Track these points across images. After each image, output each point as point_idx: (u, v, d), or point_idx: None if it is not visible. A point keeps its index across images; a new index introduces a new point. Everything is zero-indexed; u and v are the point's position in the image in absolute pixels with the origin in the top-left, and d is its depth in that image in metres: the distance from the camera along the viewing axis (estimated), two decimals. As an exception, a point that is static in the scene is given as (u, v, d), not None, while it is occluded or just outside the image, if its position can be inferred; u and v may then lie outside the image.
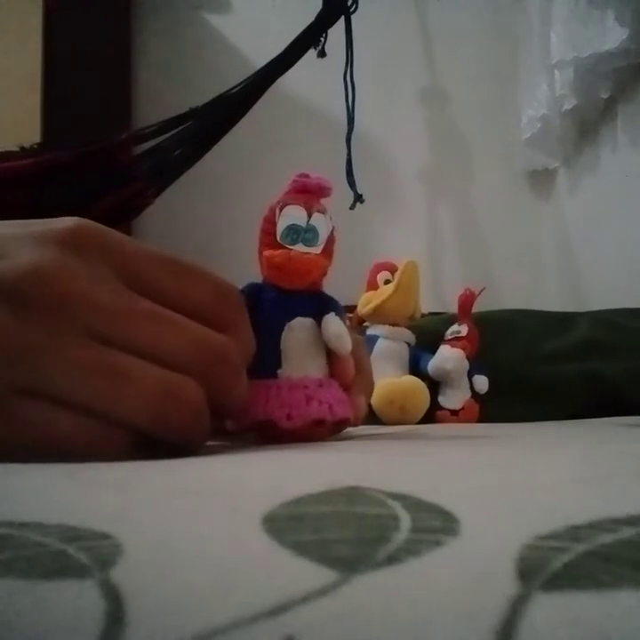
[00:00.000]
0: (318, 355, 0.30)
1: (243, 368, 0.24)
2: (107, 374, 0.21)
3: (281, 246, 0.29)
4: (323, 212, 0.30)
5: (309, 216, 0.29)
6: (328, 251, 0.30)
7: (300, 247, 0.29)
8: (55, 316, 0.20)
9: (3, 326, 0.20)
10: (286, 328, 0.29)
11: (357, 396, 0.31)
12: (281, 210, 0.29)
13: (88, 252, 0.22)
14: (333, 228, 0.30)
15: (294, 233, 0.29)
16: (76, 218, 0.23)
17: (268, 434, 0.28)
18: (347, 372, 0.30)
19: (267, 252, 0.29)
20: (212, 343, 0.23)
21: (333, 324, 0.29)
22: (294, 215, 0.29)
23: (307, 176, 0.30)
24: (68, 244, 0.22)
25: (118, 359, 0.21)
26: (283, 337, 0.29)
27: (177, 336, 0.22)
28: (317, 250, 0.30)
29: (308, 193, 0.30)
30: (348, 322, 0.33)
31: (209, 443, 0.26)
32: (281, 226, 0.29)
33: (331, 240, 0.30)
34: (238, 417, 0.28)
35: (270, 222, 0.30)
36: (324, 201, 0.30)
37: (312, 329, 0.30)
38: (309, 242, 0.29)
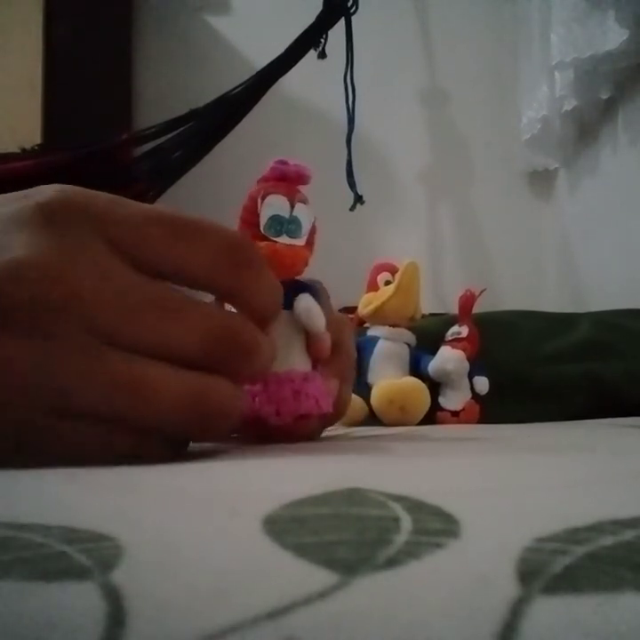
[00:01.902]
0: (301, 346, 0.29)
1: (255, 342, 0.22)
2: (129, 387, 0.19)
3: (264, 237, 0.28)
4: (305, 202, 0.29)
5: (292, 206, 0.29)
6: (310, 242, 0.30)
7: (284, 239, 0.29)
8: (51, 319, 0.18)
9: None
10: None
11: (329, 380, 0.30)
12: (263, 199, 0.28)
13: (75, 226, 0.19)
14: (315, 218, 0.30)
15: (278, 224, 0.28)
16: (56, 186, 0.20)
17: (256, 431, 0.27)
18: (320, 349, 0.29)
19: None
20: (218, 330, 0.21)
21: (303, 301, 0.29)
22: (277, 205, 0.28)
23: (285, 163, 0.29)
24: (52, 222, 0.19)
25: (136, 368, 0.19)
26: None
27: (182, 327, 0.20)
28: (301, 241, 0.29)
29: (287, 180, 0.29)
30: (330, 303, 0.31)
31: (207, 444, 0.26)
32: (264, 216, 0.28)
33: (312, 231, 0.30)
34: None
35: (251, 212, 0.29)
36: (307, 193, 0.29)
37: (293, 321, 0.29)
38: (293, 233, 0.29)
